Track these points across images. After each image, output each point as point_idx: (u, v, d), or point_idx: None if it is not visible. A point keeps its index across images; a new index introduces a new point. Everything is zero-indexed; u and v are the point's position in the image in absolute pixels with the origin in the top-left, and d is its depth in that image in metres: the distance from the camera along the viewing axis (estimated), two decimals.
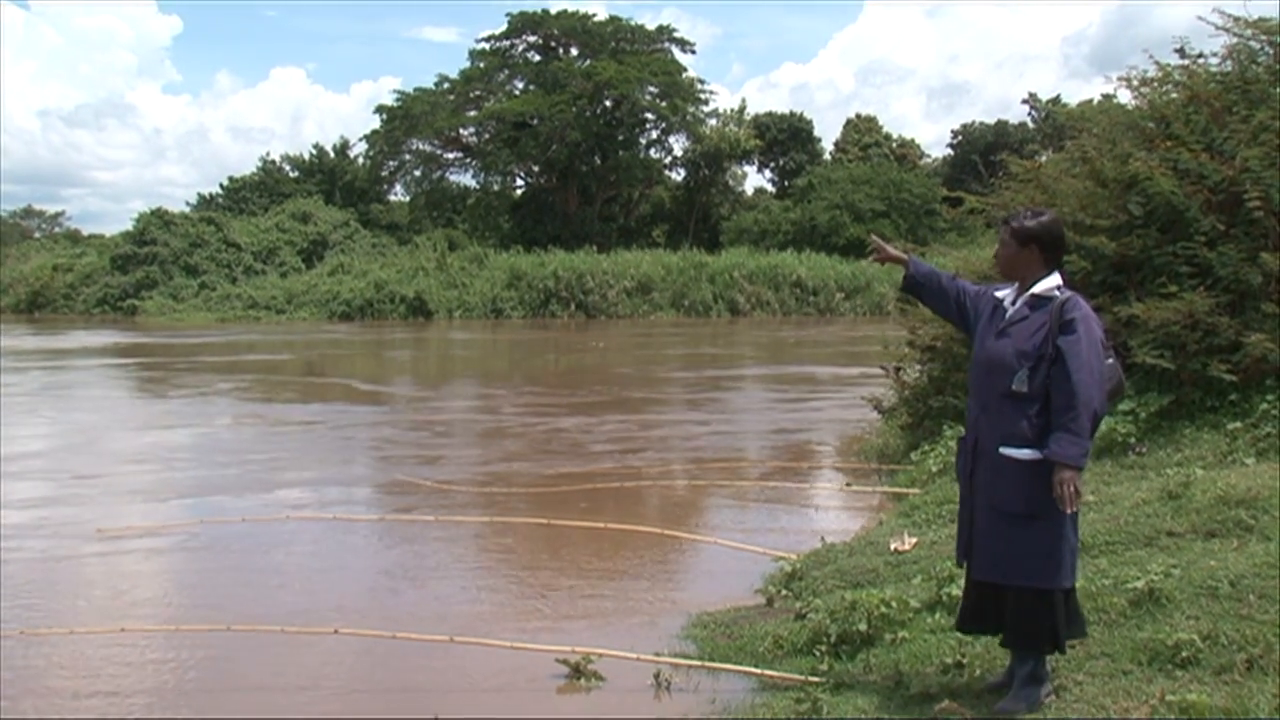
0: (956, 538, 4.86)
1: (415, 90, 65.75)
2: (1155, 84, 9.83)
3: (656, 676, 5.62)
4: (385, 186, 70.72)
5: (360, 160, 70.08)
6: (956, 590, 5.46)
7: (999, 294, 4.73)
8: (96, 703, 5.58)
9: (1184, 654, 4.48)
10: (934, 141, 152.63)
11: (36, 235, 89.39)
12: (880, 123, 76.65)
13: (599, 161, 65.61)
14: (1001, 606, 4.58)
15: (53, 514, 9.98)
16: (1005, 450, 4.46)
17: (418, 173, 67.76)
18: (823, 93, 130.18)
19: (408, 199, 70.25)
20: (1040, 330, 4.43)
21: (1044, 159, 13.00)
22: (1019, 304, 4.59)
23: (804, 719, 4.76)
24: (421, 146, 66.36)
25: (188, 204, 70.62)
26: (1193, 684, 4.24)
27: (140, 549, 8.76)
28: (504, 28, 65.64)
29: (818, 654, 5.54)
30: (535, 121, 61.95)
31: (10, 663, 6.07)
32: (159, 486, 11.39)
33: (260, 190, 68.29)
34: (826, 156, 74.00)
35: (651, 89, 63.97)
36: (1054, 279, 4.54)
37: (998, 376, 4.51)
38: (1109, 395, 4.53)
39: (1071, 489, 4.26)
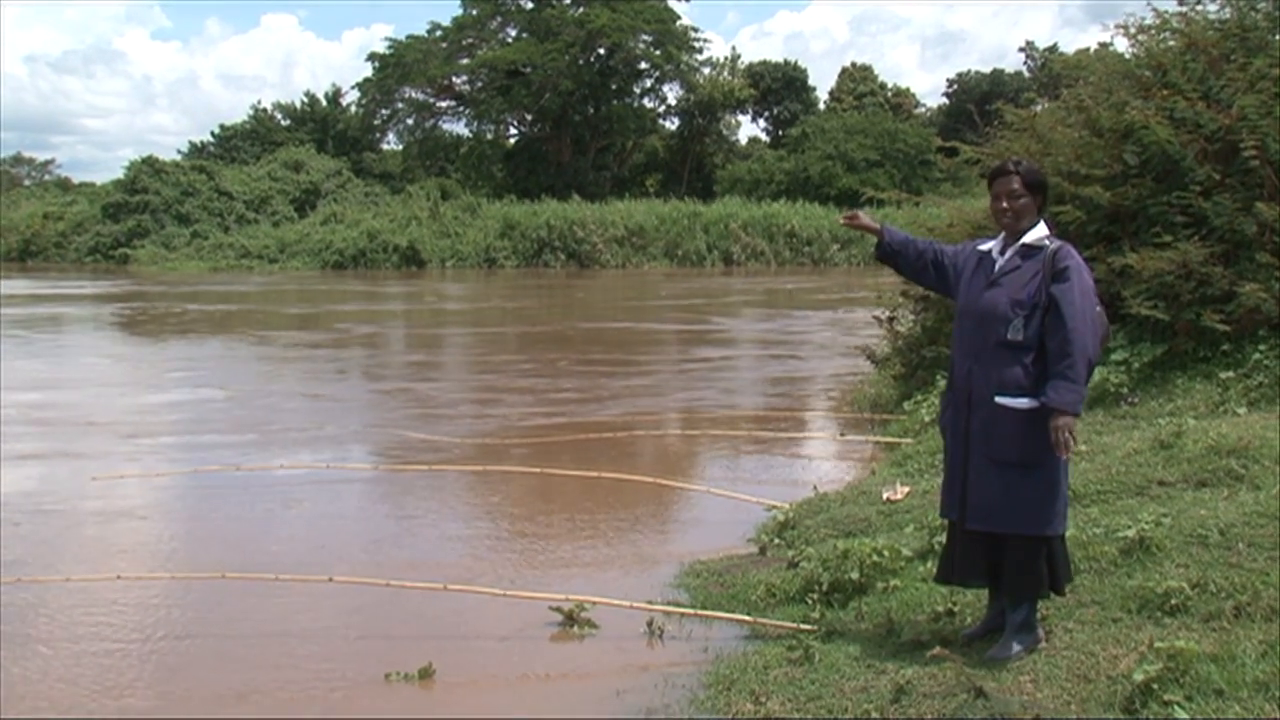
0: (944, 492, 4.84)
1: (408, 38, 65.14)
2: (1152, 31, 9.75)
3: (649, 624, 5.66)
4: (378, 135, 70.30)
5: (352, 109, 69.63)
6: None
7: (982, 247, 4.74)
8: (93, 650, 5.61)
9: (1173, 602, 4.51)
10: (929, 91, 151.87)
11: (26, 183, 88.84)
12: (875, 72, 76.24)
13: (592, 110, 65.12)
14: (993, 557, 4.60)
15: (47, 461, 10.01)
16: (1001, 400, 4.47)
17: (410, 121, 67.30)
18: (817, 41, 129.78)
19: (400, 148, 69.87)
20: (1034, 279, 4.44)
21: (1040, 108, 12.90)
22: (1009, 254, 4.57)
23: (796, 666, 4.79)
24: (414, 95, 65.83)
25: (179, 152, 70.23)
26: (1181, 631, 4.27)
27: (135, 497, 8.77)
28: None
29: (810, 602, 5.58)
30: (528, 70, 61.40)
31: (7, 609, 6.09)
32: (153, 435, 11.40)
33: (252, 139, 67.90)
34: (821, 106, 73.55)
35: (645, 37, 63.35)
36: (1042, 228, 4.55)
37: (991, 327, 4.51)
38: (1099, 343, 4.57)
39: (1067, 435, 4.30)
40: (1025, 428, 4.40)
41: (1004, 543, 4.54)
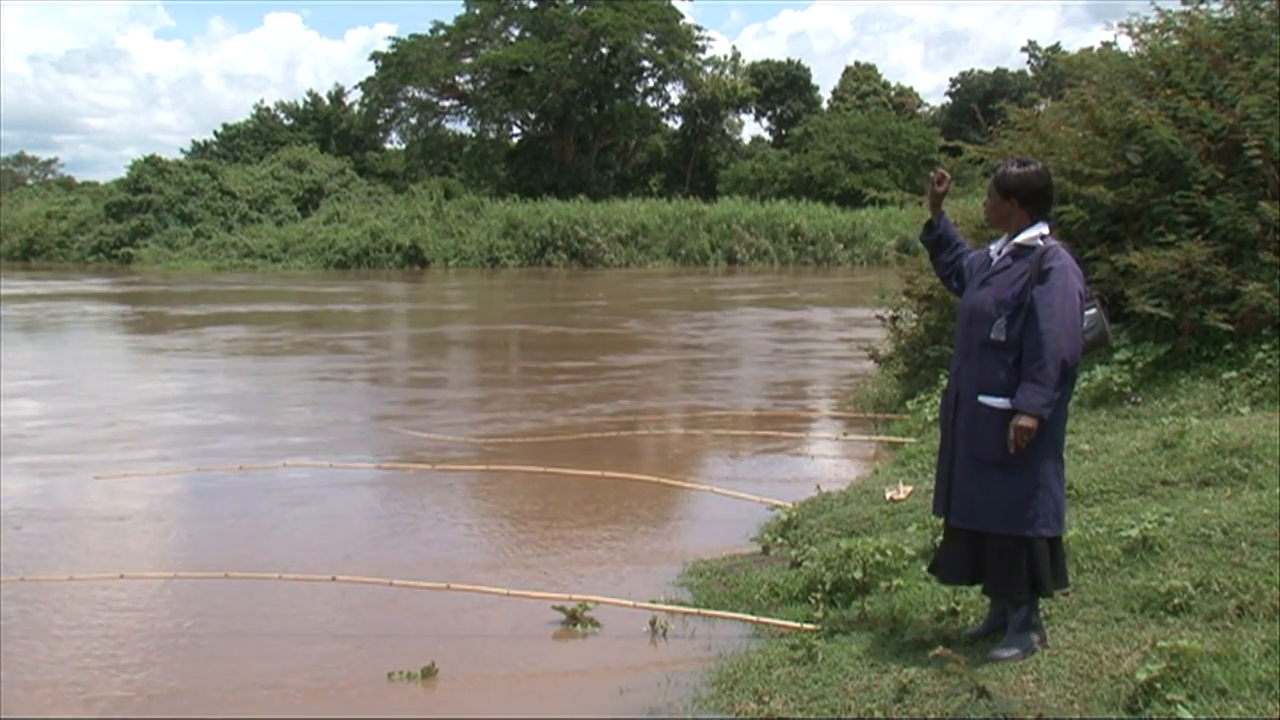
0: (934, 488, 4.89)
1: (411, 37, 65.11)
2: (1156, 30, 9.75)
3: (652, 624, 5.66)
4: (381, 134, 70.31)
5: (356, 108, 69.65)
6: None
7: (992, 247, 4.76)
8: (96, 648, 5.61)
9: (1176, 601, 4.51)
10: (932, 90, 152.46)
11: (30, 182, 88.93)
12: (879, 71, 76.20)
13: (595, 110, 65.12)
14: (980, 555, 4.60)
15: (51, 460, 10.01)
16: (984, 399, 4.48)
17: (413, 120, 67.30)
18: (820, 40, 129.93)
19: (404, 147, 69.84)
20: (1020, 279, 4.45)
21: (1043, 108, 12.90)
22: (1003, 254, 4.61)
23: (800, 665, 4.79)
24: (417, 94, 65.81)
25: (182, 151, 70.25)
26: (1184, 630, 4.27)
27: (138, 496, 8.77)
28: None
29: (813, 601, 5.58)
30: (531, 69, 61.39)
31: (11, 608, 6.10)
32: (156, 434, 11.41)
33: (255, 138, 67.82)
34: (824, 105, 73.52)
35: (648, 36, 63.31)
36: (1038, 229, 4.54)
37: (978, 325, 4.54)
38: (1090, 345, 4.58)
39: (1022, 434, 4.32)
40: (1005, 427, 4.39)
41: (986, 540, 4.55)
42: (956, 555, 4.69)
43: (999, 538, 4.49)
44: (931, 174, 5.13)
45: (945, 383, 5.40)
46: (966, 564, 4.67)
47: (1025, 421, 4.31)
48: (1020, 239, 4.54)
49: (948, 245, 5.01)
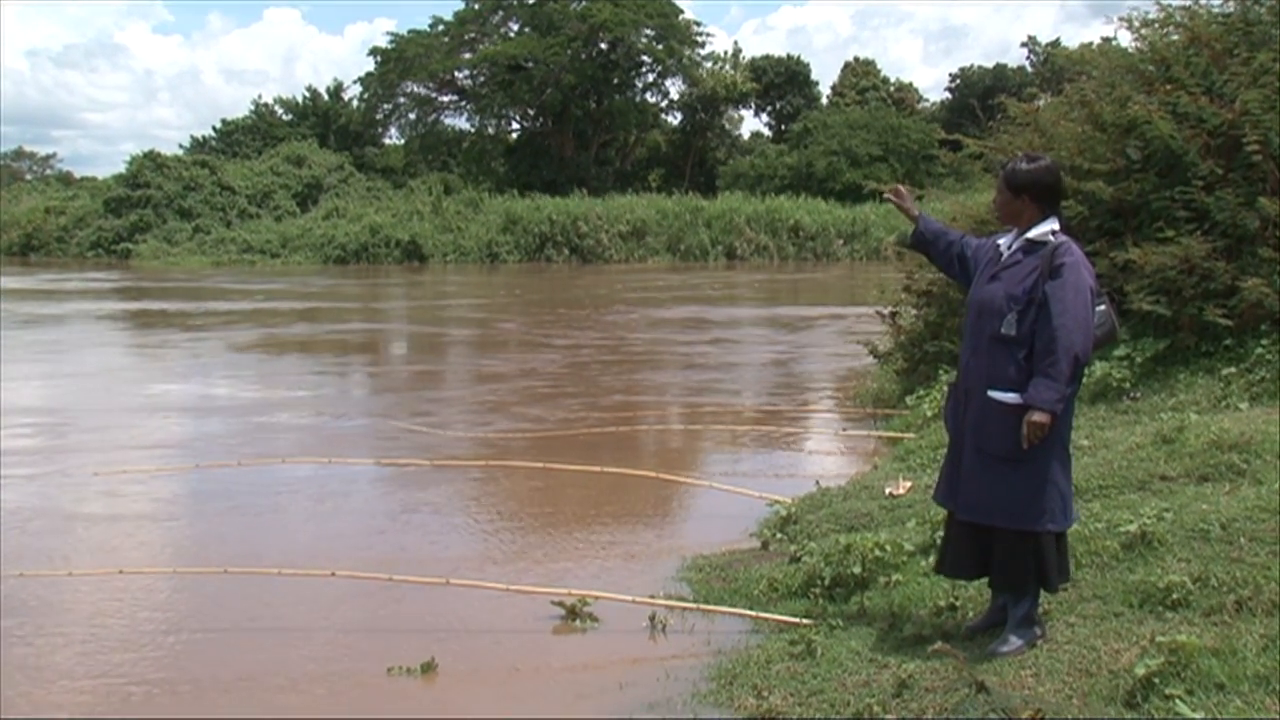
0: (938, 478, 4.90)
1: (410, 32, 65.23)
2: (1156, 26, 9.73)
3: (652, 619, 5.66)
4: (380, 130, 70.34)
5: (354, 103, 69.65)
6: None
7: (1000, 241, 4.74)
8: (94, 643, 5.61)
9: (1175, 596, 4.51)
10: (932, 85, 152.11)
11: (28, 177, 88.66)
12: (878, 66, 76.16)
13: (594, 105, 65.15)
14: (985, 549, 4.61)
15: (49, 456, 10.01)
16: (993, 393, 4.49)
17: (412, 116, 67.36)
18: (820, 35, 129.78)
19: (402, 142, 69.86)
20: (1031, 275, 4.44)
21: (1042, 103, 12.89)
22: (1014, 248, 4.59)
23: (798, 660, 4.80)
24: (416, 89, 65.86)
25: (180, 146, 70.21)
26: (1183, 625, 4.27)
27: (137, 492, 8.77)
28: None
29: (812, 597, 5.59)
30: (530, 64, 61.38)
31: (9, 604, 6.10)
32: (155, 429, 11.41)
33: (253, 133, 67.80)
34: (824, 101, 73.47)
35: (647, 31, 63.30)
36: (1049, 224, 4.53)
37: (988, 320, 4.53)
38: (1100, 341, 4.59)
39: (1036, 430, 4.32)
40: (1014, 422, 4.40)
41: (993, 535, 4.55)
42: (962, 549, 4.71)
43: (1006, 532, 4.50)
44: (887, 195, 5.17)
45: (945, 377, 5.41)
46: (972, 558, 4.68)
47: (1038, 417, 4.31)
48: (1032, 234, 4.53)
49: (936, 241, 5.03)
